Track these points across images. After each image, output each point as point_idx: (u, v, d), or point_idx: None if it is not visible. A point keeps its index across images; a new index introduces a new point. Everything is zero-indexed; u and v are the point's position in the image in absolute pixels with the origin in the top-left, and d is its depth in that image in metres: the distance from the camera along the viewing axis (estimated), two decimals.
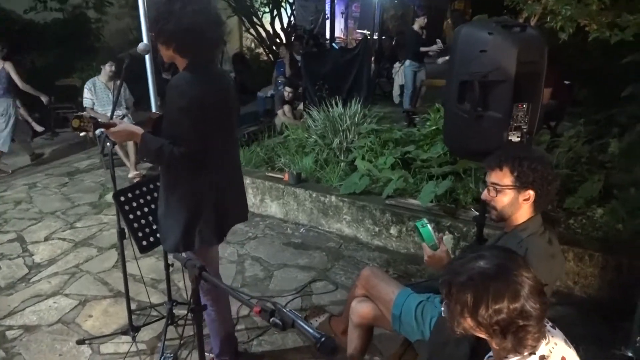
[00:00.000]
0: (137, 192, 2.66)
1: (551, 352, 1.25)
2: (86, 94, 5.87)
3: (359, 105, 5.42)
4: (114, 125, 2.10)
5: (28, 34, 8.35)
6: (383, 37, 11.21)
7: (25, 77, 6.12)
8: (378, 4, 9.46)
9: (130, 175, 5.42)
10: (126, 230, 2.62)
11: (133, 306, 3.01)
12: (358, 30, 16.16)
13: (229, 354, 2.57)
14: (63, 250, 4.01)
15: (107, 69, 5.91)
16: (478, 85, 2.39)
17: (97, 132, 5.51)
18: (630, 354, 2.68)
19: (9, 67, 5.81)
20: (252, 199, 4.66)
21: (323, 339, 1.16)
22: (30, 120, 7.33)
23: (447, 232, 3.68)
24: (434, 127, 4.75)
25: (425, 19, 7.32)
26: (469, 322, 1.23)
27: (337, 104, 5.45)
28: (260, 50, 12.72)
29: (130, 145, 5.43)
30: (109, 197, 5.10)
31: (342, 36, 16.18)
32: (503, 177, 1.81)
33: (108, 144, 2.57)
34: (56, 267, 3.75)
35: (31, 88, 6.09)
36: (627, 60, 3.88)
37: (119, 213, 2.63)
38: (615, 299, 3.17)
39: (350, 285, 3.45)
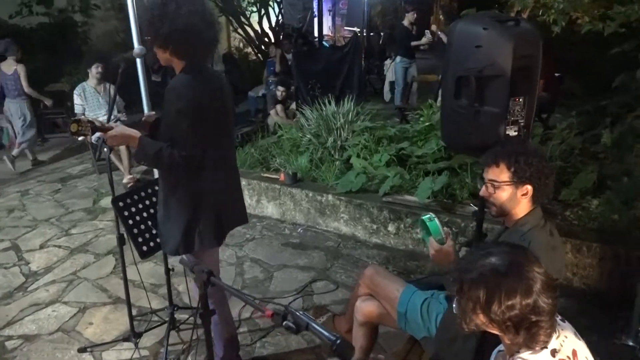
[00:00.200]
0: (136, 197, 2.64)
1: (562, 346, 1.26)
2: (76, 99, 5.82)
3: (352, 103, 5.42)
4: (111, 128, 2.08)
5: (14, 39, 8.25)
6: (371, 34, 11.23)
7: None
8: (366, 1, 9.45)
9: (124, 180, 5.38)
10: (126, 236, 2.59)
11: (134, 312, 2.99)
12: (346, 28, 16.14)
13: (232, 357, 2.56)
14: (59, 257, 3.97)
15: (94, 71, 5.86)
16: (474, 81, 2.40)
17: (94, 138, 5.52)
18: (631, 343, 2.72)
19: (20, 69, 6.01)
20: (248, 200, 4.64)
21: (339, 341, 1.16)
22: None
23: (444, 227, 3.69)
24: (427, 124, 4.77)
25: (415, 14, 7.33)
26: (481, 319, 1.24)
27: (330, 103, 5.45)
28: (249, 49, 12.68)
29: (123, 149, 5.39)
30: (104, 202, 5.07)
31: (330, 34, 16.15)
32: (500, 174, 1.83)
33: (105, 149, 2.55)
34: (53, 275, 3.72)
35: (35, 92, 6.23)
36: (615, 52, 3.92)
37: (118, 219, 2.60)
38: (614, 289, 3.21)
39: (351, 283, 3.47)
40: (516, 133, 2.42)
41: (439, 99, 6.14)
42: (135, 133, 2.05)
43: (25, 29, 8.59)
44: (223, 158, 2.26)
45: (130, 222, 2.58)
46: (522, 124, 2.44)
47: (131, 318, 2.82)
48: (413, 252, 3.89)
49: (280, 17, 12.22)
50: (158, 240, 2.54)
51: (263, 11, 11.71)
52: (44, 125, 7.68)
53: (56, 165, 6.47)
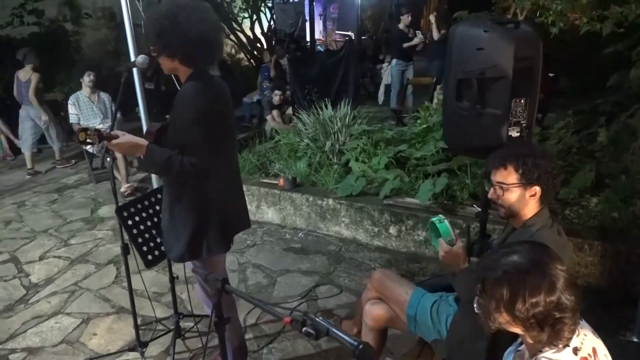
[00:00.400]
0: (139, 206, 2.64)
1: (582, 344, 1.27)
2: (71, 109, 5.81)
3: (349, 107, 5.44)
4: (117, 137, 2.08)
5: (5, 50, 8.20)
6: (363, 37, 11.27)
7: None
8: (358, 4, 9.49)
9: (122, 189, 5.35)
10: (130, 246, 2.58)
11: (138, 321, 2.97)
12: (337, 32, 16.19)
13: None
14: (60, 268, 3.94)
15: (86, 79, 5.86)
16: (476, 83, 2.42)
17: (95, 149, 5.49)
18: (635, 339, 2.74)
19: (34, 77, 6.26)
20: (247, 206, 4.62)
21: (361, 346, 1.16)
22: (12, 137, 7.22)
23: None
24: (424, 126, 4.79)
25: (410, 17, 7.37)
26: (504, 317, 1.24)
27: (326, 107, 5.46)
28: (241, 55, 12.68)
29: (120, 158, 5.37)
30: (102, 212, 5.04)
31: (321, 38, 16.19)
32: (508, 176, 1.83)
33: (108, 159, 2.54)
34: (54, 286, 3.69)
35: (36, 102, 6.30)
36: (608, 51, 3.97)
37: (122, 228, 2.59)
38: (615, 287, 3.23)
39: (354, 287, 3.47)
40: (518, 134, 2.44)
41: (435, 100, 6.19)
42: (142, 141, 2.04)
43: (16, 39, 8.53)
44: (228, 164, 2.27)
45: (135, 231, 2.57)
46: (524, 124, 2.46)
47: (137, 327, 2.81)
48: (415, 255, 3.90)
49: (272, 23, 12.24)
50: (163, 248, 2.54)
51: (255, 17, 11.72)
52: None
53: (51, 176, 6.42)
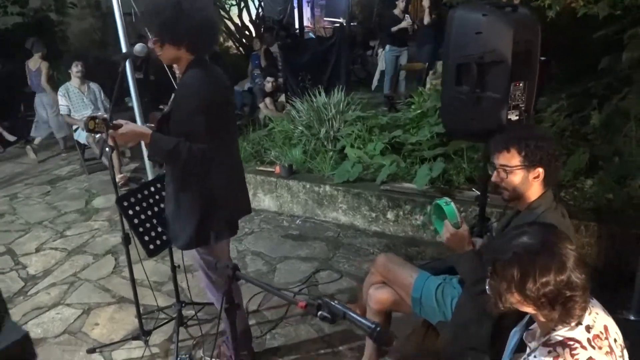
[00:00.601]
0: (139, 195, 2.62)
1: (594, 322, 1.30)
2: (61, 100, 5.75)
3: (342, 94, 5.42)
4: (121, 126, 2.07)
5: None
6: (352, 24, 11.20)
7: None
8: None
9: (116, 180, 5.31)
10: (131, 235, 2.57)
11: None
12: (325, 18, 16.08)
13: (246, 349, 2.58)
14: (57, 260, 3.92)
15: (74, 70, 5.81)
16: (475, 67, 2.43)
17: (90, 138, 5.43)
18: (632, 317, 2.80)
19: (43, 66, 6.44)
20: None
21: (378, 329, 1.18)
22: (1, 129, 7.13)
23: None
24: (419, 111, 4.80)
25: (404, 2, 7.32)
26: (516, 297, 1.27)
27: (320, 94, 5.44)
28: (229, 43, 12.56)
29: None
30: (97, 202, 5.00)
31: (310, 25, 16.08)
32: (511, 159, 1.85)
33: (107, 149, 2.51)
34: (53, 277, 3.67)
35: (49, 88, 6.45)
36: (600, 34, 3.98)
37: (122, 218, 2.58)
38: (611, 267, 3.29)
39: (354, 272, 3.50)
40: (517, 117, 2.46)
41: (428, 85, 6.19)
42: (146, 130, 2.04)
43: (0, 30, 8.37)
44: (231, 150, 2.27)
45: (136, 221, 2.56)
46: (522, 108, 2.49)
47: (140, 316, 2.82)
48: (413, 239, 3.93)
49: (260, 10, 12.12)
50: (164, 237, 2.54)
51: (242, 4, 11.58)
52: (27, 128, 7.52)
53: (43, 167, 6.35)
